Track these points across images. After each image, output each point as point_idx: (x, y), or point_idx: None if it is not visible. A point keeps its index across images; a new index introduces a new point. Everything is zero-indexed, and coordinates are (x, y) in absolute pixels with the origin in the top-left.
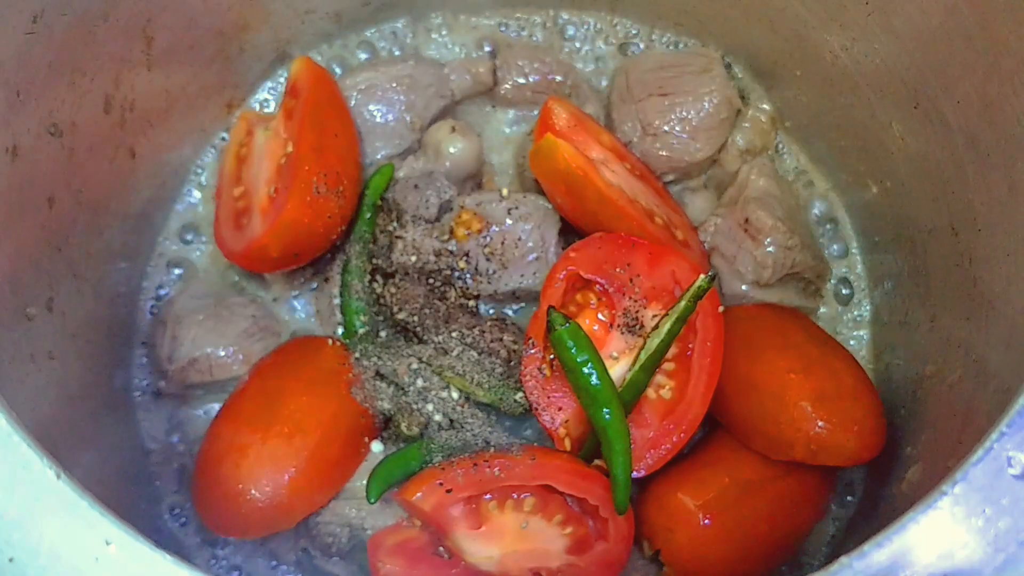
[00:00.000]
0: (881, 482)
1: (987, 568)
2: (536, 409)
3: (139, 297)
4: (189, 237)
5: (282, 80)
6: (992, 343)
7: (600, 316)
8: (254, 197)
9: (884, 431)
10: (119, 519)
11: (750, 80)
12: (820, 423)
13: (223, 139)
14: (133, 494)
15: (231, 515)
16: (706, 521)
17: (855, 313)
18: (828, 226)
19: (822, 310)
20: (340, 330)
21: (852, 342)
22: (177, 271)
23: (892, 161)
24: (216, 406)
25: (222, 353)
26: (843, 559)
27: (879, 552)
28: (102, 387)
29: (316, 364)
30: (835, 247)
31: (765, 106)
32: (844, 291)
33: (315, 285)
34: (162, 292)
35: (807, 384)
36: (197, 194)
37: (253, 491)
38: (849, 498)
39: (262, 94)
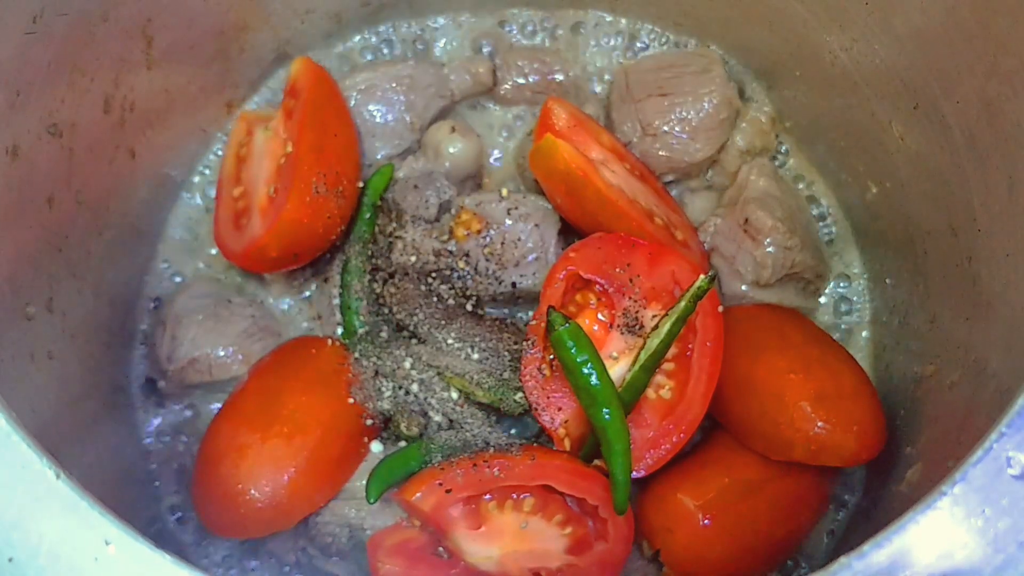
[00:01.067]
0: (881, 482)
1: (987, 568)
2: (536, 409)
3: (139, 297)
4: (189, 237)
5: (282, 80)
6: (992, 343)
7: (600, 316)
8: (253, 197)
9: (884, 431)
10: (119, 519)
11: (750, 80)
12: (820, 423)
13: (223, 139)
14: (133, 494)
15: (230, 515)
16: (706, 521)
17: (855, 313)
18: (828, 226)
19: (822, 310)
20: (340, 330)
21: (852, 342)
22: (177, 271)
23: (892, 161)
24: (216, 406)
25: (221, 353)
26: (843, 559)
27: (879, 552)
28: (102, 387)
29: (316, 364)
30: (835, 247)
31: (765, 106)
32: (844, 291)
33: (315, 285)
34: (162, 292)
35: (807, 384)
36: (197, 194)
37: (252, 491)
38: (849, 498)
39: (262, 94)
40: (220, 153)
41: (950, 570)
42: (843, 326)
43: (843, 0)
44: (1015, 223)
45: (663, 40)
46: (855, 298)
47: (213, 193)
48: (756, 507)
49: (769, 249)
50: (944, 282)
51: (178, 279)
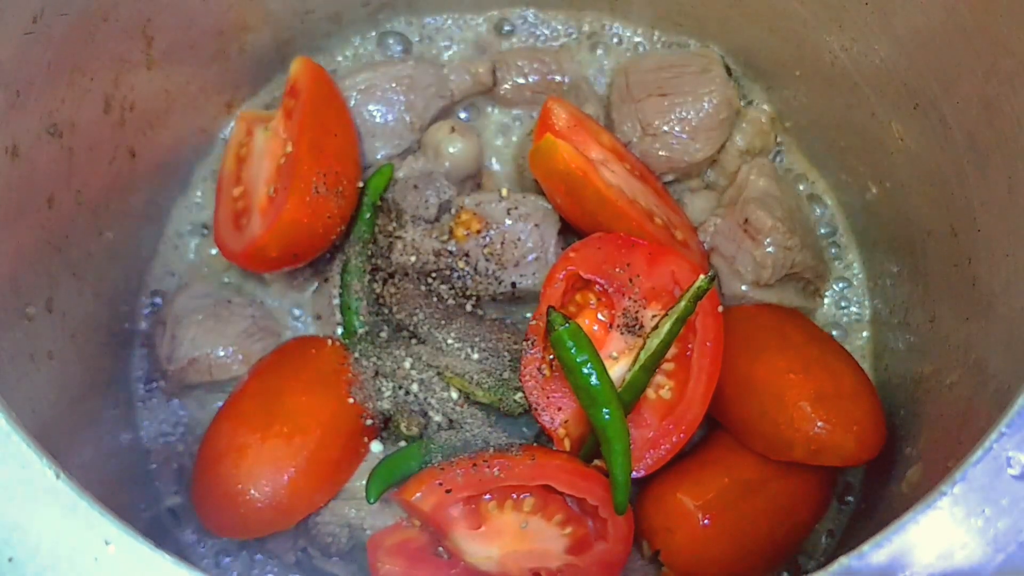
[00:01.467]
0: (881, 482)
1: (987, 568)
2: (536, 409)
3: (139, 297)
4: (189, 237)
5: (282, 80)
6: (992, 343)
7: (600, 316)
8: (253, 197)
9: (884, 431)
10: (119, 519)
11: (750, 80)
12: (820, 423)
13: (223, 139)
14: (133, 494)
15: (230, 515)
16: (706, 521)
17: (855, 313)
18: (827, 227)
19: (822, 310)
20: (340, 330)
21: (852, 342)
22: (177, 271)
23: (892, 161)
24: (216, 406)
25: (221, 353)
26: (843, 559)
27: (878, 552)
28: (102, 387)
29: (316, 364)
30: (835, 247)
31: (765, 106)
32: (844, 291)
33: (315, 285)
34: (162, 292)
35: (807, 384)
36: (196, 194)
37: (252, 491)
38: (849, 498)
39: (262, 94)
40: (220, 153)
41: (950, 570)
42: (843, 326)
43: (843, 0)
44: (1015, 223)
45: (663, 40)
46: (855, 298)
47: (213, 193)
48: (756, 507)
49: (769, 249)
50: (944, 282)
51: (178, 279)
